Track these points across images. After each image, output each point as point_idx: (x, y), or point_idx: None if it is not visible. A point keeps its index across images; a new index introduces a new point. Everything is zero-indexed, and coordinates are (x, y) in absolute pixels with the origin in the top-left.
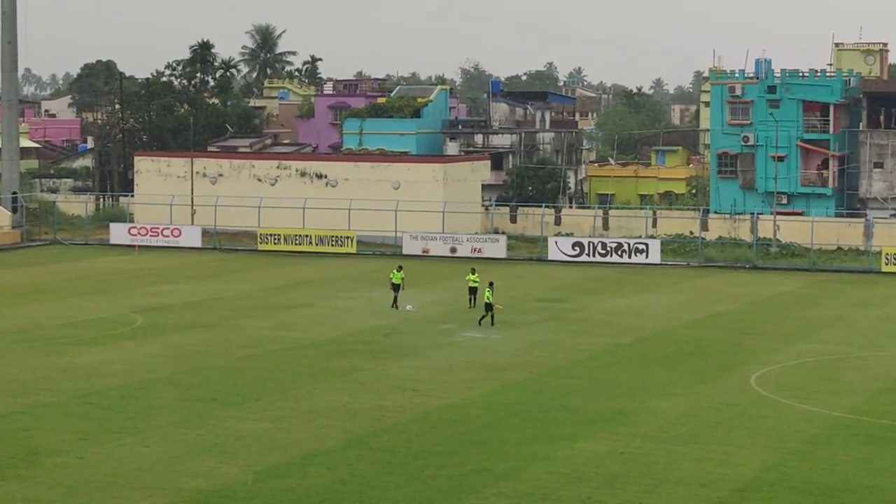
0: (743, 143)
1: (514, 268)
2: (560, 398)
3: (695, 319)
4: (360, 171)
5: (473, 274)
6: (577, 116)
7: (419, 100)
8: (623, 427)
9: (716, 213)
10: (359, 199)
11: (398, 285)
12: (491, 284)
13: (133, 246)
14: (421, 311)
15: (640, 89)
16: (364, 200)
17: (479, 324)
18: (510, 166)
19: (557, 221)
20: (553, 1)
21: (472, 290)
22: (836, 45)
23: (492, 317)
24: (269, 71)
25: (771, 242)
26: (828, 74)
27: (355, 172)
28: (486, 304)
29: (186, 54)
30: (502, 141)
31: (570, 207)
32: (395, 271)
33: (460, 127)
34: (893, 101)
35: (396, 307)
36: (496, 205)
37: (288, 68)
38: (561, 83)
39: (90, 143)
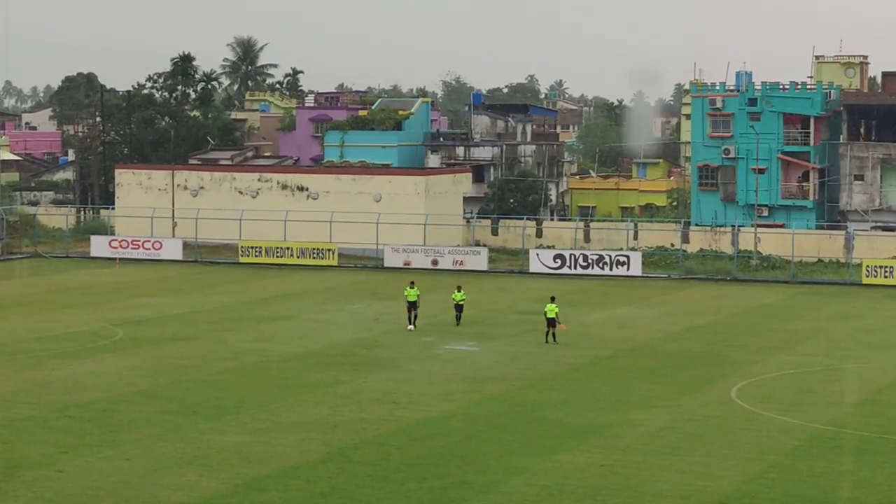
0: (724, 156)
1: (495, 280)
2: (541, 411)
3: (676, 332)
4: (341, 184)
5: (459, 291)
6: (559, 129)
7: (400, 112)
8: (604, 439)
9: (697, 225)
10: (340, 212)
11: (414, 302)
12: (553, 299)
13: (114, 259)
14: (400, 324)
15: (621, 102)
16: (345, 213)
17: (546, 341)
18: (491, 179)
19: (539, 234)
20: (534, 14)
21: (458, 308)
22: (817, 57)
23: (553, 334)
24: (250, 83)
25: (752, 255)
26: (808, 87)
27: (337, 185)
28: (550, 319)
29: (167, 67)
30: (484, 153)
31: (552, 220)
32: (408, 288)
33: (442, 139)
34: (874, 113)
35: (414, 326)
36: (478, 217)
37: (269, 81)
38: (542, 96)
39: (71, 156)
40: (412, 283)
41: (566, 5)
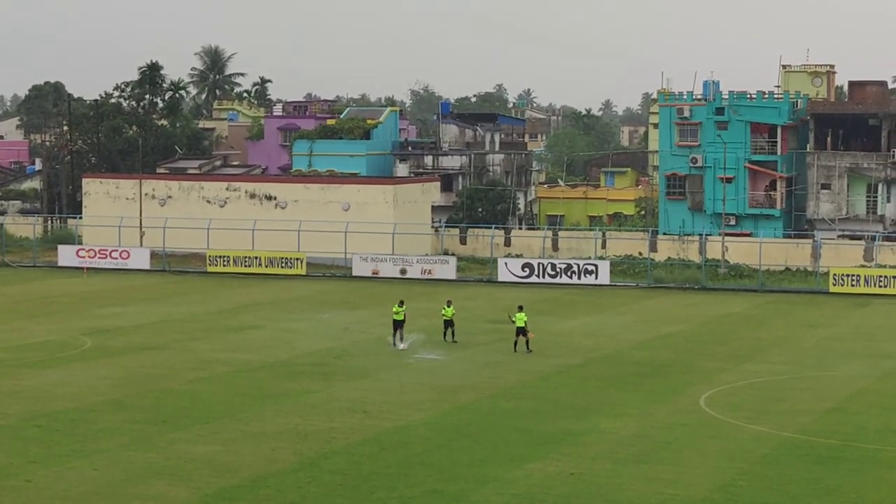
0: (691, 165)
1: (464, 289)
2: (511, 419)
3: (644, 340)
4: (309, 193)
5: (449, 307)
6: (527, 138)
7: (369, 121)
8: (573, 448)
9: (665, 234)
10: (308, 221)
11: (401, 322)
12: (521, 308)
13: (82, 268)
14: (371, 333)
15: (589, 111)
16: (314, 222)
17: (516, 350)
18: (460, 188)
19: (507, 243)
20: (502, 23)
21: (448, 324)
22: (784, 66)
23: (527, 342)
24: (218, 92)
25: (720, 263)
26: (775, 96)
27: (305, 194)
28: (520, 328)
29: (135, 76)
30: (452, 162)
31: (520, 229)
32: (396, 307)
33: (410, 148)
34: (840, 122)
35: (398, 345)
36: (446, 226)
37: (237, 90)
38: (510, 105)
39: (38, 165)
40: (401, 301)
41: (534, 15)
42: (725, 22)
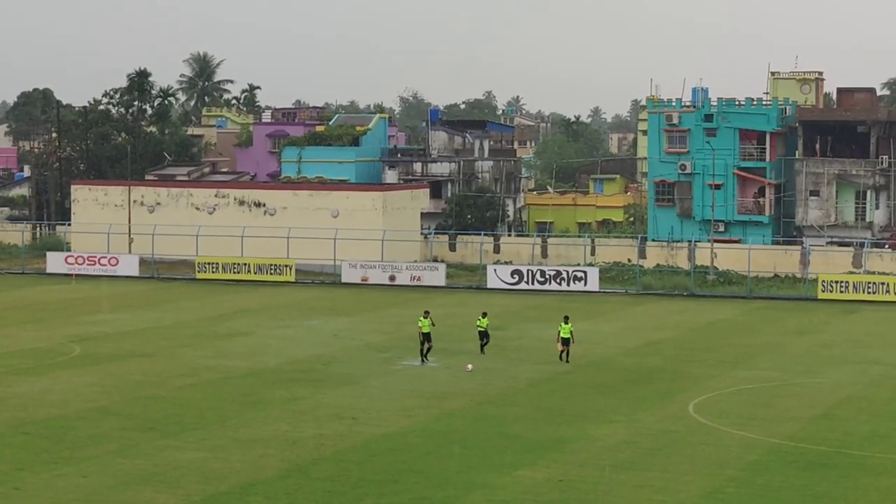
0: (680, 172)
1: (453, 296)
2: (500, 426)
3: (633, 347)
4: (298, 200)
5: (484, 318)
6: (516, 145)
7: (358, 128)
8: (562, 454)
9: (653, 240)
10: (297, 228)
11: (428, 334)
12: (566, 318)
13: (70, 275)
14: (360, 340)
15: (577, 118)
16: (303, 229)
17: (561, 359)
18: (449, 195)
19: (496, 249)
20: (491, 30)
21: (483, 335)
22: (772, 73)
23: (567, 353)
24: (207, 99)
25: (708, 270)
26: (764, 103)
27: (294, 201)
28: (564, 339)
29: (124, 82)
30: (441, 169)
31: (509, 236)
32: (421, 318)
33: (399, 155)
34: (829, 129)
35: (426, 359)
36: (435, 233)
37: (226, 96)
38: (499, 112)
39: (27, 172)
40: (426, 312)
41: (523, 22)
42: (714, 29)
